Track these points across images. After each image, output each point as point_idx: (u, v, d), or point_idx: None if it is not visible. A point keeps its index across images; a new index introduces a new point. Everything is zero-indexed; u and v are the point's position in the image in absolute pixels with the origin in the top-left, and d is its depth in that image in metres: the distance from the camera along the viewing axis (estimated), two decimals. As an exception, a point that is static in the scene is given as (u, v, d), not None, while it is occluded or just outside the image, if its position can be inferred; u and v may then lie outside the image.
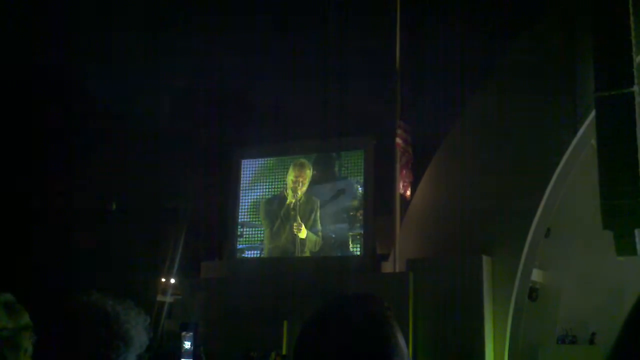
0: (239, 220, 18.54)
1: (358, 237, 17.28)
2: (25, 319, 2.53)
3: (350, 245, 17.37)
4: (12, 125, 20.73)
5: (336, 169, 17.90)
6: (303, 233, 17.68)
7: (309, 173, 18.04)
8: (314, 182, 17.98)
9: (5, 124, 20.32)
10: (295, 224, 17.73)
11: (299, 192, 17.98)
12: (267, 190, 18.49)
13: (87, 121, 22.53)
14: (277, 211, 18.09)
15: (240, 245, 18.48)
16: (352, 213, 17.44)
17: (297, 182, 18.03)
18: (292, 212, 17.90)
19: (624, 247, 13.25)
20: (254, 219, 18.48)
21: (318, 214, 17.68)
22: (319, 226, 17.64)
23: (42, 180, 22.15)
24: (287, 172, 18.28)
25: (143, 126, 22.15)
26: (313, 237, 17.64)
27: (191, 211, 21.14)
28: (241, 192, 18.66)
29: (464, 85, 17.08)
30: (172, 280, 20.49)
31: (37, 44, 21.46)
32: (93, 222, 22.76)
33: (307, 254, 17.67)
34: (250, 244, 18.48)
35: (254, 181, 18.65)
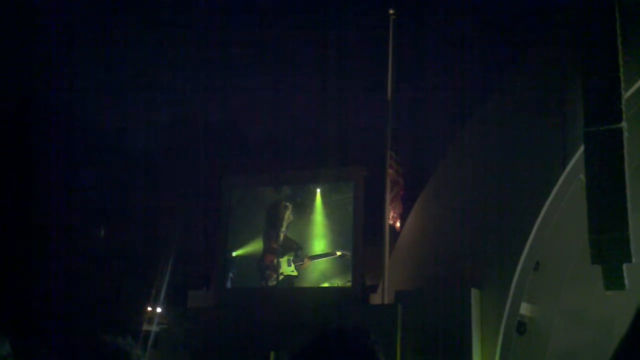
0: (227, 249, 18.40)
1: (346, 268, 17.16)
2: (6, 348, 2.47)
3: (339, 276, 17.25)
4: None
5: (325, 199, 17.83)
6: (286, 269, 17.54)
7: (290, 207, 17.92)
8: (302, 213, 17.89)
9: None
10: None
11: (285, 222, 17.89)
12: (254, 219, 18.37)
13: (73, 151, 22.47)
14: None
15: (228, 275, 18.32)
16: (340, 243, 17.34)
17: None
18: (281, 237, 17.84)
19: (613, 281, 13.21)
20: (241, 248, 18.36)
21: (304, 242, 17.60)
22: (307, 254, 17.53)
23: (27, 209, 22.02)
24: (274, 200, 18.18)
25: (131, 154, 22.10)
26: (291, 268, 17.52)
27: (179, 239, 21.02)
28: (229, 220, 18.55)
29: (455, 117, 17.18)
30: (159, 309, 20.26)
31: (32, 72, 21.51)
32: (80, 248, 22.58)
33: (295, 284, 17.55)
34: (238, 273, 18.32)
35: (241, 210, 18.55)
